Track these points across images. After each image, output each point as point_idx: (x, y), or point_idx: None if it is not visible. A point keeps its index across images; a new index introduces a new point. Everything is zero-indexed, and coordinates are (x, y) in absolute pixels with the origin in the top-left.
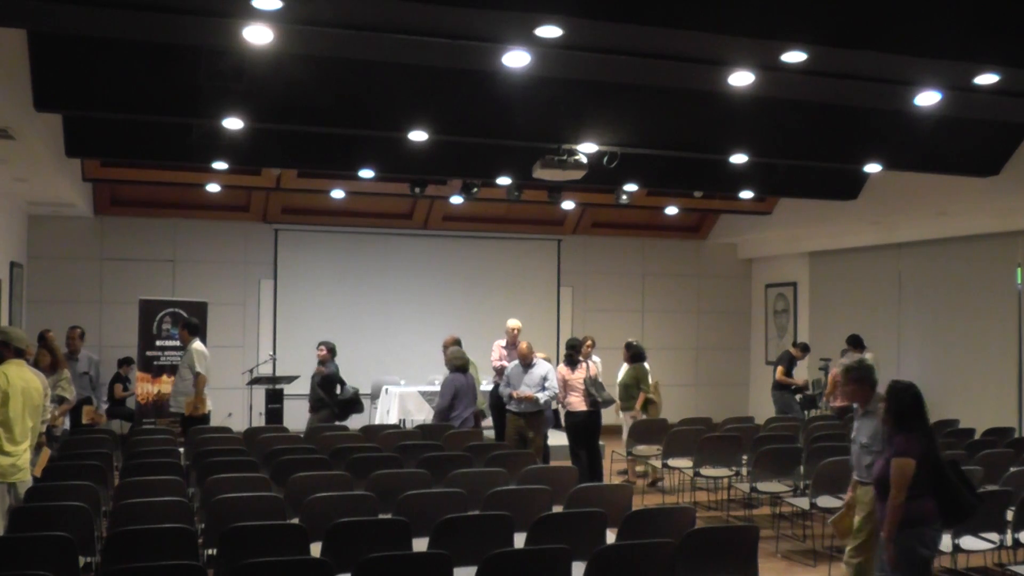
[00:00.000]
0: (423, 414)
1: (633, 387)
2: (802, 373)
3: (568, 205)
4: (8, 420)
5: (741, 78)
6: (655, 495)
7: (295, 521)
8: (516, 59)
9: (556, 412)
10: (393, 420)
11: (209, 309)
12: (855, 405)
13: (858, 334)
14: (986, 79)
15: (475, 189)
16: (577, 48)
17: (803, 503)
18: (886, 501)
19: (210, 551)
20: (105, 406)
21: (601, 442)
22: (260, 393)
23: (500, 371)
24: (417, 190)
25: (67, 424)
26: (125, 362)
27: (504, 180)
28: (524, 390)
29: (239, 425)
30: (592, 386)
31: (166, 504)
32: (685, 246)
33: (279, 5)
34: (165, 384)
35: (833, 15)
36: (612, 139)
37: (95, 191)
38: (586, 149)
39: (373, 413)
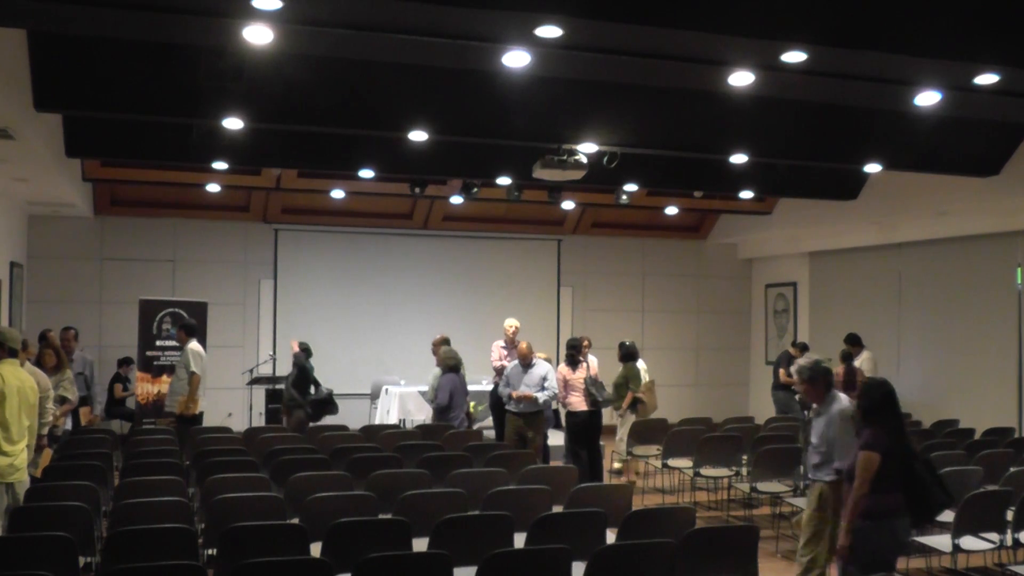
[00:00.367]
0: (423, 414)
1: (623, 387)
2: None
3: (568, 205)
4: (4, 420)
5: (741, 78)
6: (655, 495)
7: (295, 521)
8: (516, 59)
9: (556, 412)
10: (393, 420)
11: (209, 309)
12: (813, 405)
13: (856, 333)
14: (986, 79)
15: (475, 189)
16: (577, 48)
17: (803, 503)
18: None
19: (210, 551)
20: (100, 407)
21: (601, 442)
22: (260, 393)
23: (500, 371)
24: (417, 190)
25: (69, 424)
26: (125, 362)
27: (504, 180)
28: (524, 390)
29: (239, 425)
30: (593, 386)
31: (166, 504)
32: (685, 246)
33: (279, 5)
34: (165, 384)
35: (833, 15)
36: (612, 139)
37: (95, 191)
38: (586, 149)
39: (373, 413)
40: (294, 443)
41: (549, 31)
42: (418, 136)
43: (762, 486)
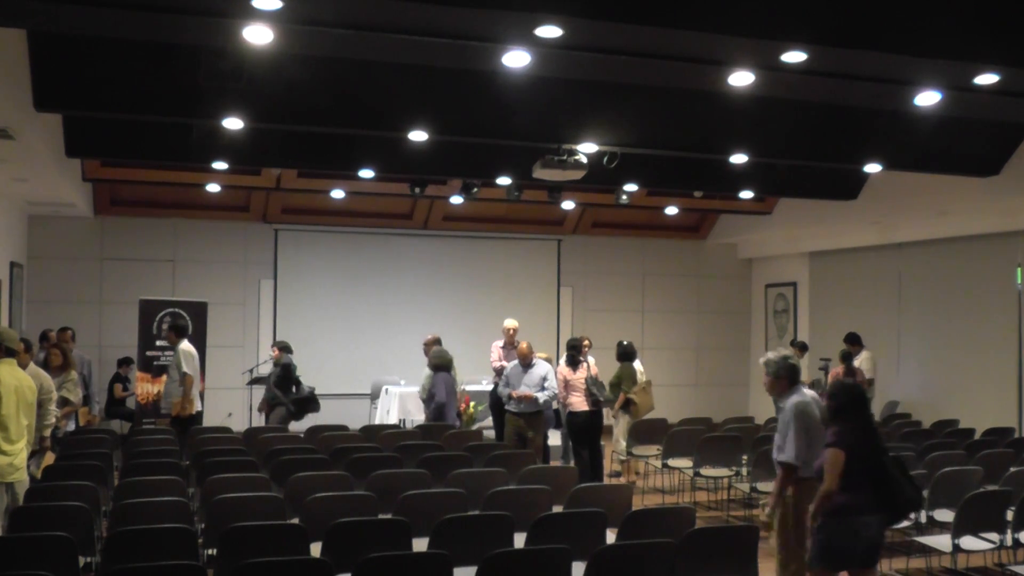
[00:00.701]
0: (423, 414)
1: (617, 387)
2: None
3: (568, 205)
4: (3, 420)
5: (741, 78)
6: (655, 495)
7: (295, 521)
8: (516, 59)
9: (557, 412)
10: (393, 420)
11: (209, 309)
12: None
13: (856, 333)
14: (986, 79)
15: (475, 189)
16: (577, 48)
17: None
18: None
19: (210, 551)
20: (99, 407)
21: (602, 442)
22: (260, 393)
23: (499, 371)
24: (417, 190)
25: (71, 426)
26: (125, 362)
27: (504, 180)
28: (523, 390)
29: (239, 425)
30: (594, 385)
31: (166, 504)
32: (685, 246)
33: (279, 5)
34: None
35: (833, 15)
36: (612, 139)
37: (95, 191)
38: (586, 149)
39: (373, 413)
40: (294, 443)
41: (549, 31)
42: (418, 136)
43: (762, 486)
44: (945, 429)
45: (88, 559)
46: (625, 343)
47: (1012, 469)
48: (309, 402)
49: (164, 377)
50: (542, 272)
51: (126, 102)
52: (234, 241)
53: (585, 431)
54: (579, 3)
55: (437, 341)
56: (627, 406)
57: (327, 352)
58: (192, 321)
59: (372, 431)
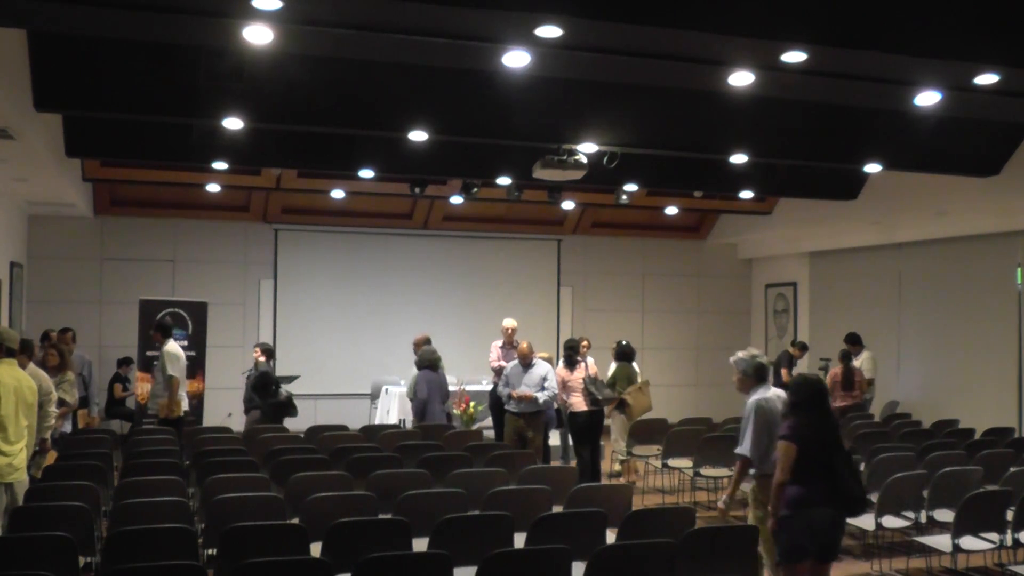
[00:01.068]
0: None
1: (612, 387)
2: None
3: (568, 205)
4: (2, 420)
5: (741, 78)
6: (655, 495)
7: (295, 521)
8: (516, 59)
9: (559, 412)
10: (393, 420)
11: (209, 309)
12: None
13: (856, 333)
14: (986, 79)
15: (475, 189)
16: (577, 48)
17: None
18: None
19: (210, 551)
20: (98, 408)
21: (602, 442)
22: None
23: (498, 371)
24: (417, 190)
25: (67, 427)
26: (125, 362)
27: (504, 180)
28: (523, 390)
29: (239, 425)
30: (592, 385)
31: (166, 504)
32: (685, 246)
33: (279, 5)
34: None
35: (833, 15)
36: (612, 139)
37: (95, 191)
38: (586, 149)
39: (373, 413)
40: (294, 443)
41: (549, 31)
42: (418, 136)
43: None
44: (945, 429)
45: (88, 559)
46: (623, 343)
47: (1012, 469)
48: (285, 407)
49: None
50: (542, 272)
51: (126, 102)
52: (234, 241)
53: (586, 431)
54: (579, 3)
55: (427, 341)
56: (622, 406)
57: (327, 352)
58: (192, 321)
59: (372, 431)
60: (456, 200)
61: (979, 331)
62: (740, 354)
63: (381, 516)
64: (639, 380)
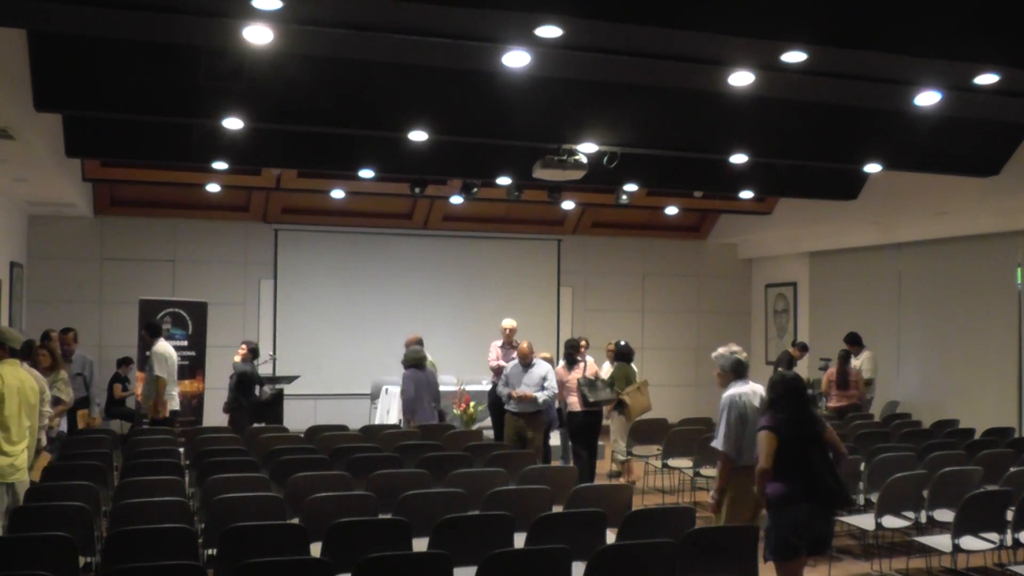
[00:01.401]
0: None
1: (610, 387)
2: (801, 373)
3: (568, 205)
4: (4, 420)
5: (741, 78)
6: (655, 495)
7: (295, 521)
8: (516, 59)
9: (560, 411)
10: (393, 420)
11: (209, 309)
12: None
13: (856, 332)
14: (986, 79)
15: (475, 189)
16: (577, 48)
17: None
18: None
19: (210, 551)
20: (99, 408)
21: (601, 442)
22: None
23: (497, 371)
24: (417, 190)
25: (64, 426)
26: (124, 362)
27: (504, 180)
28: (523, 390)
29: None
30: (585, 386)
31: (166, 504)
32: (685, 246)
33: (279, 5)
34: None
35: (833, 15)
36: (612, 139)
37: (95, 191)
38: (586, 149)
39: (373, 413)
40: (294, 443)
41: (549, 31)
42: (418, 136)
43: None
44: (945, 429)
45: (88, 559)
46: (622, 343)
47: (1012, 469)
48: (267, 406)
49: None
50: (542, 272)
51: (126, 102)
52: (234, 241)
53: (581, 431)
54: (579, 3)
55: (418, 341)
56: (620, 407)
57: (327, 352)
58: (192, 321)
59: (372, 431)
60: (456, 200)
61: (979, 331)
62: (720, 350)
63: (381, 516)
64: (637, 380)
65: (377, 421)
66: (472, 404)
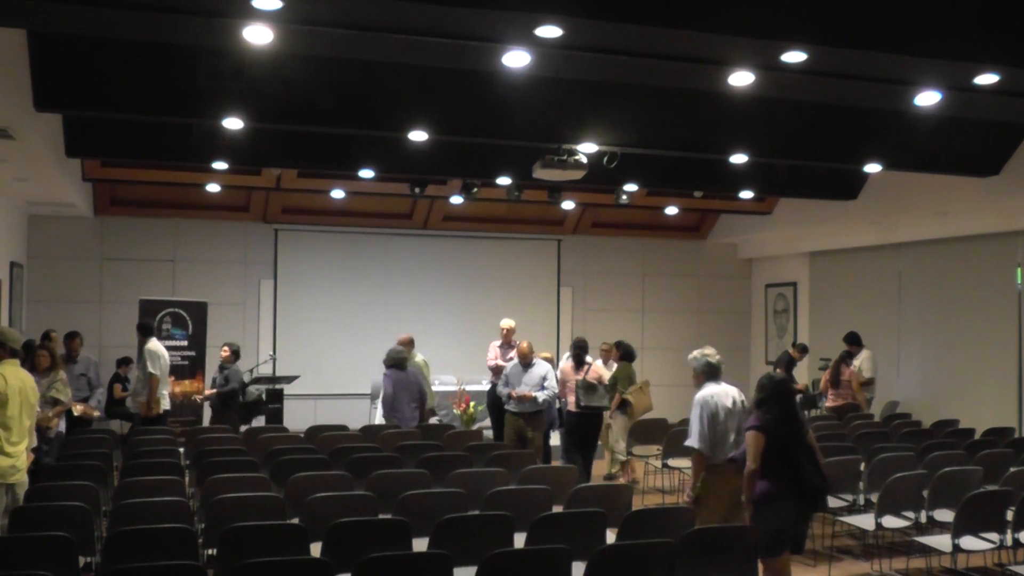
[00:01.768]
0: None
1: (613, 387)
2: (802, 373)
3: (568, 205)
4: (7, 421)
5: (741, 78)
6: (655, 495)
7: (295, 521)
8: (516, 59)
9: (560, 411)
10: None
11: (209, 309)
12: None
13: (856, 332)
14: (986, 79)
15: (475, 189)
16: (577, 48)
17: None
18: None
19: (210, 551)
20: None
21: (600, 443)
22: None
23: (496, 371)
24: (417, 190)
25: (63, 427)
26: (124, 362)
27: (504, 180)
28: (523, 389)
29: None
30: (582, 388)
31: (166, 504)
32: (685, 246)
33: (279, 5)
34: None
35: (833, 15)
36: (612, 139)
37: (95, 191)
38: (586, 149)
39: (373, 413)
40: (294, 443)
41: (549, 31)
42: (418, 136)
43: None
44: (945, 429)
45: (88, 559)
46: (624, 343)
47: (1012, 469)
48: (255, 406)
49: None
50: (542, 272)
51: (126, 102)
52: (234, 241)
53: (575, 432)
54: (579, 3)
55: (410, 342)
56: (623, 407)
57: (327, 352)
58: (192, 321)
59: (372, 431)
60: (456, 200)
61: (979, 331)
62: (695, 353)
63: (381, 516)
64: (638, 380)
65: (377, 421)
66: (472, 404)
